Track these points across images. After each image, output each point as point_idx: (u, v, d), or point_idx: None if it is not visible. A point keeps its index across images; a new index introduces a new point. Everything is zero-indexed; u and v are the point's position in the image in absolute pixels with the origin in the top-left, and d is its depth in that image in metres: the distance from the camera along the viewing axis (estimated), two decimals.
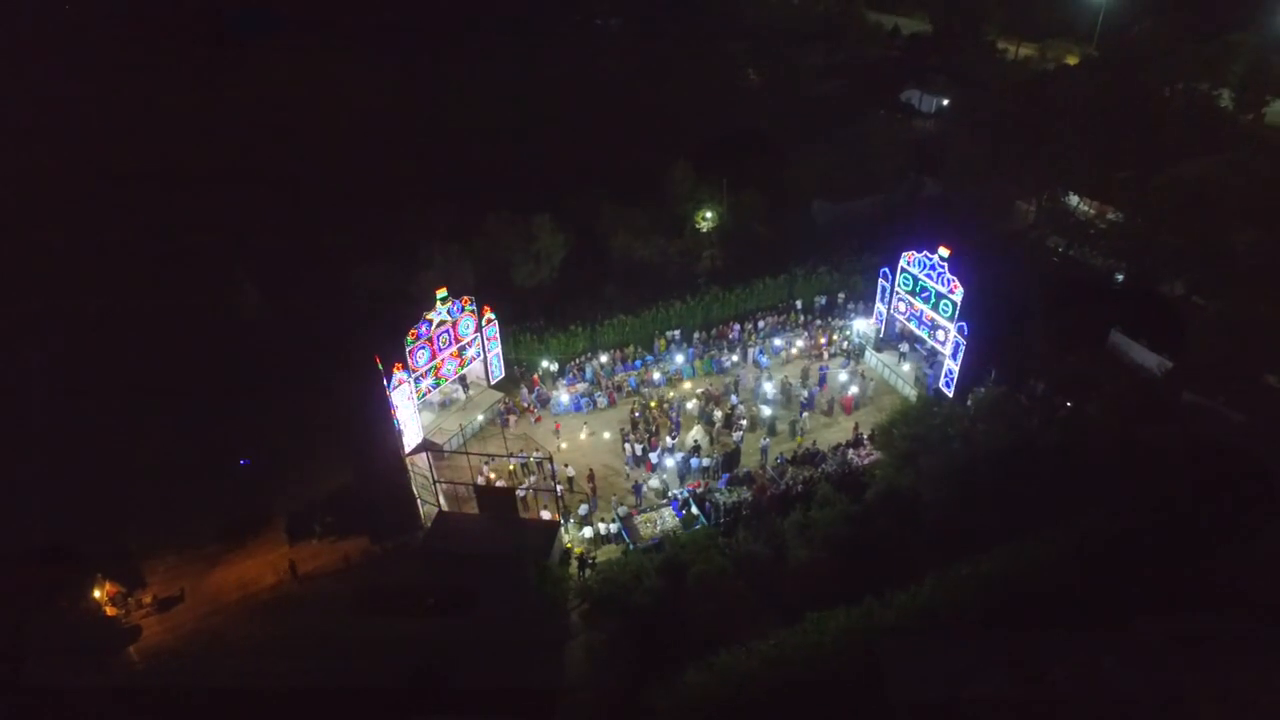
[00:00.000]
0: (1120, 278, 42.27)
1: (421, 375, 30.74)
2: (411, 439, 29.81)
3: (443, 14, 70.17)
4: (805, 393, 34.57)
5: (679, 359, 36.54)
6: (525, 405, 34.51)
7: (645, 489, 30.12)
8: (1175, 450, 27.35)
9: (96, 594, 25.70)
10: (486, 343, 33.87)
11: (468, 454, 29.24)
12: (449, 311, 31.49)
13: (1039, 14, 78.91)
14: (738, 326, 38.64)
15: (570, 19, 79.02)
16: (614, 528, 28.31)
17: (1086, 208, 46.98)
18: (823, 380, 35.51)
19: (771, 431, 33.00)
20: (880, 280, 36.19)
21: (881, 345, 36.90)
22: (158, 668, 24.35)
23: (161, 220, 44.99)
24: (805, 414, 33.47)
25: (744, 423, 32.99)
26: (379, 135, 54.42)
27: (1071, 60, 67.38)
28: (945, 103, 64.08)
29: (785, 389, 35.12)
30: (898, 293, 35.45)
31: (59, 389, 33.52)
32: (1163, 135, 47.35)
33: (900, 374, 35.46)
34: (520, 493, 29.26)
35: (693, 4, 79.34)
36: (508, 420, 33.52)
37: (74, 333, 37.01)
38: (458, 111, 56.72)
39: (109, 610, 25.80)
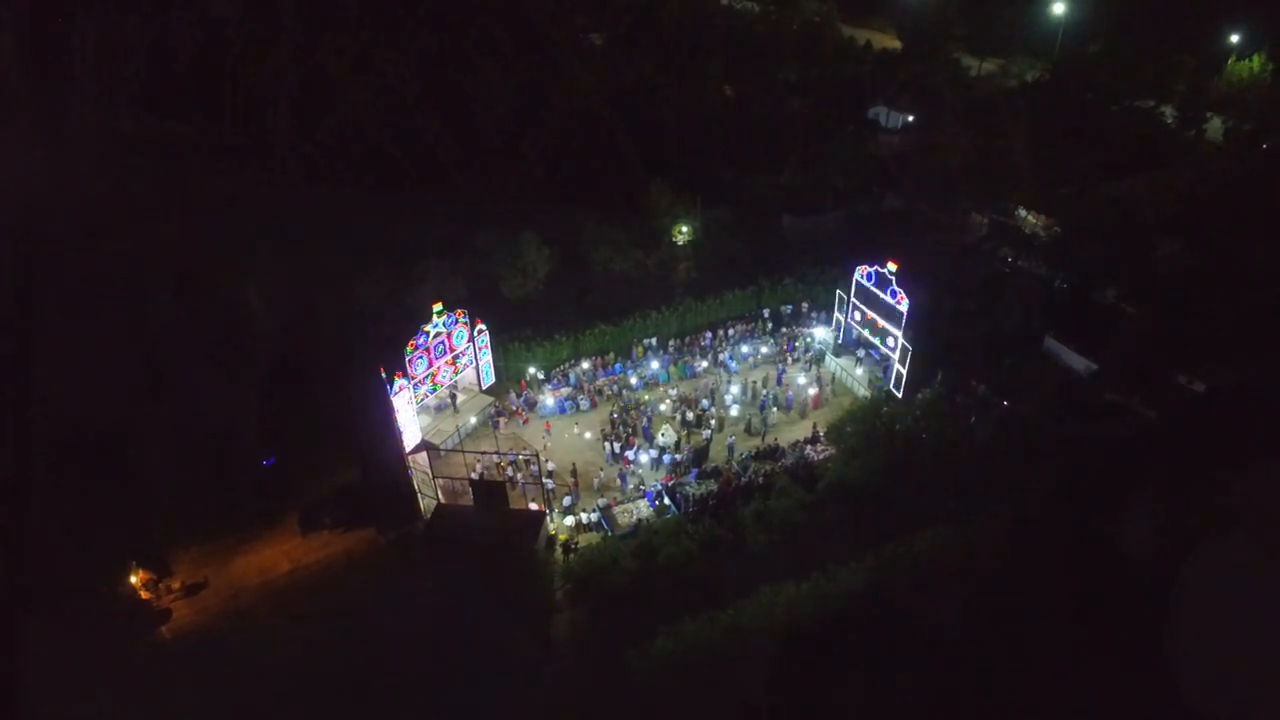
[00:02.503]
0: (1065, 286, 46.00)
1: (420, 382, 33.99)
2: (411, 439, 32.95)
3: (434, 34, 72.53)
4: (766, 392, 37.98)
5: (654, 365, 39.84)
6: (514, 408, 37.70)
7: (630, 477, 33.46)
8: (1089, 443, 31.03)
9: (132, 580, 28.70)
10: (478, 351, 37.12)
11: (463, 452, 32.42)
12: (444, 323, 34.76)
13: (1001, 31, 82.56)
14: (709, 334, 41.99)
15: (554, 36, 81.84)
16: (594, 517, 31.59)
17: (1034, 220, 50.74)
18: (780, 379, 38.85)
19: (749, 430, 36.33)
20: (838, 291, 39.69)
21: (840, 351, 40.36)
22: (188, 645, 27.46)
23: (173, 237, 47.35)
24: (765, 411, 36.89)
25: (713, 422, 36.35)
26: (376, 152, 57.01)
27: (1031, 76, 71.13)
28: (910, 119, 67.68)
29: (750, 391, 38.50)
30: (853, 303, 38.96)
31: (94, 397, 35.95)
32: (1107, 151, 51.23)
33: (855, 377, 38.94)
34: (509, 472, 32.41)
35: (672, 20, 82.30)
36: (498, 422, 36.71)
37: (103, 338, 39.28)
38: (448, 128, 59.50)
39: (143, 595, 28.80)
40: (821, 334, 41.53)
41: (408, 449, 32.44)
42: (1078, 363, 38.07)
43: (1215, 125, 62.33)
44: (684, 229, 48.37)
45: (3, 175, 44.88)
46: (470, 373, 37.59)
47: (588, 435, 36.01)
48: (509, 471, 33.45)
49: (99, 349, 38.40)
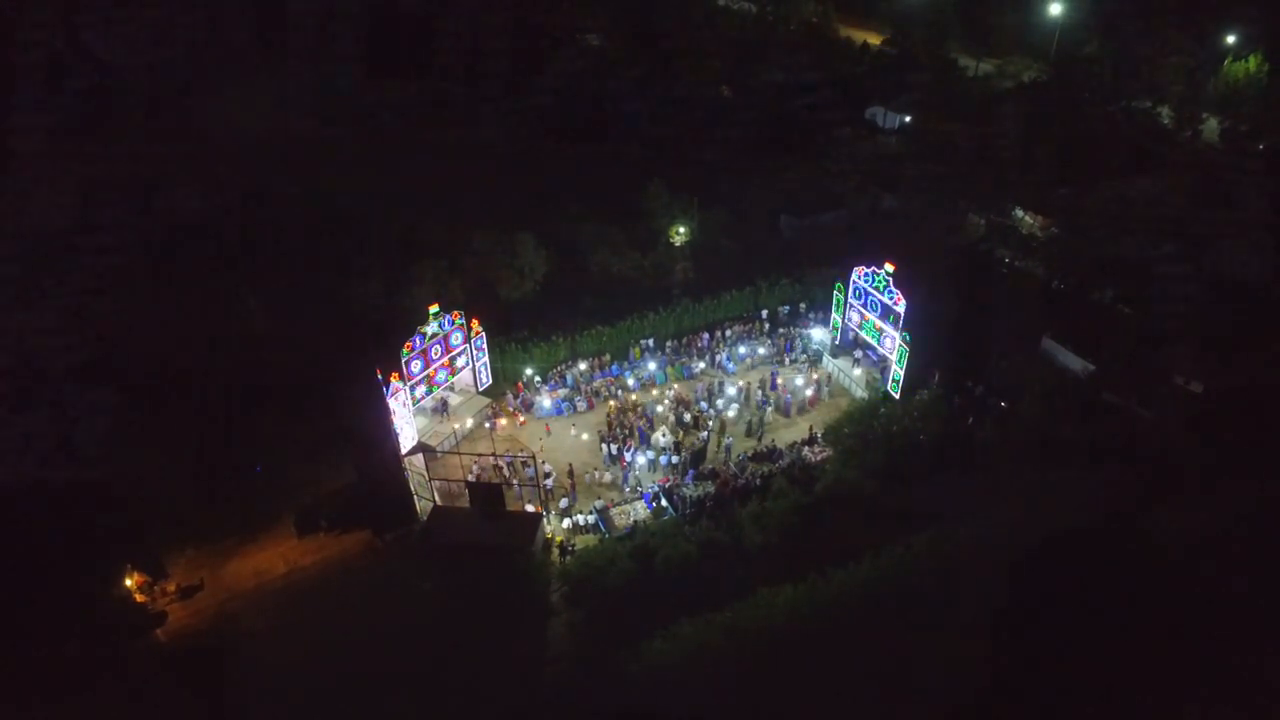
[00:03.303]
0: (1062, 287, 46.00)
1: (416, 384, 33.90)
2: (408, 441, 32.86)
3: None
4: (761, 395, 37.94)
5: (652, 366, 39.77)
6: (511, 410, 37.62)
7: (630, 477, 33.42)
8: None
9: (127, 583, 28.58)
10: (475, 353, 37.04)
11: (459, 454, 32.33)
12: (440, 325, 34.67)
13: (998, 32, 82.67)
14: (707, 335, 41.93)
15: (551, 37, 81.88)
16: (591, 519, 31.52)
17: (1031, 221, 50.76)
18: (774, 383, 38.80)
19: (748, 432, 36.26)
20: (835, 292, 39.67)
21: (837, 352, 40.33)
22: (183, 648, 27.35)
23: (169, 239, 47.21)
24: (762, 411, 36.84)
25: (710, 424, 36.31)
26: (373, 156, 57.04)
27: (1028, 76, 71.26)
28: (907, 119, 67.70)
29: (748, 393, 38.44)
30: (851, 304, 38.94)
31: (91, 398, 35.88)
32: (1103, 152, 51.31)
33: (853, 378, 38.89)
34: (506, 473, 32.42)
35: (670, 19, 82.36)
36: (495, 424, 36.63)
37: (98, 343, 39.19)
38: (445, 131, 59.61)
39: (138, 597, 28.67)
40: (819, 335, 41.49)
41: (404, 451, 32.36)
42: (1075, 363, 38.06)
43: (1212, 126, 62.45)
44: (681, 230, 48.33)
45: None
46: (467, 374, 37.50)
47: (585, 437, 35.93)
48: (505, 472, 33.35)
49: None
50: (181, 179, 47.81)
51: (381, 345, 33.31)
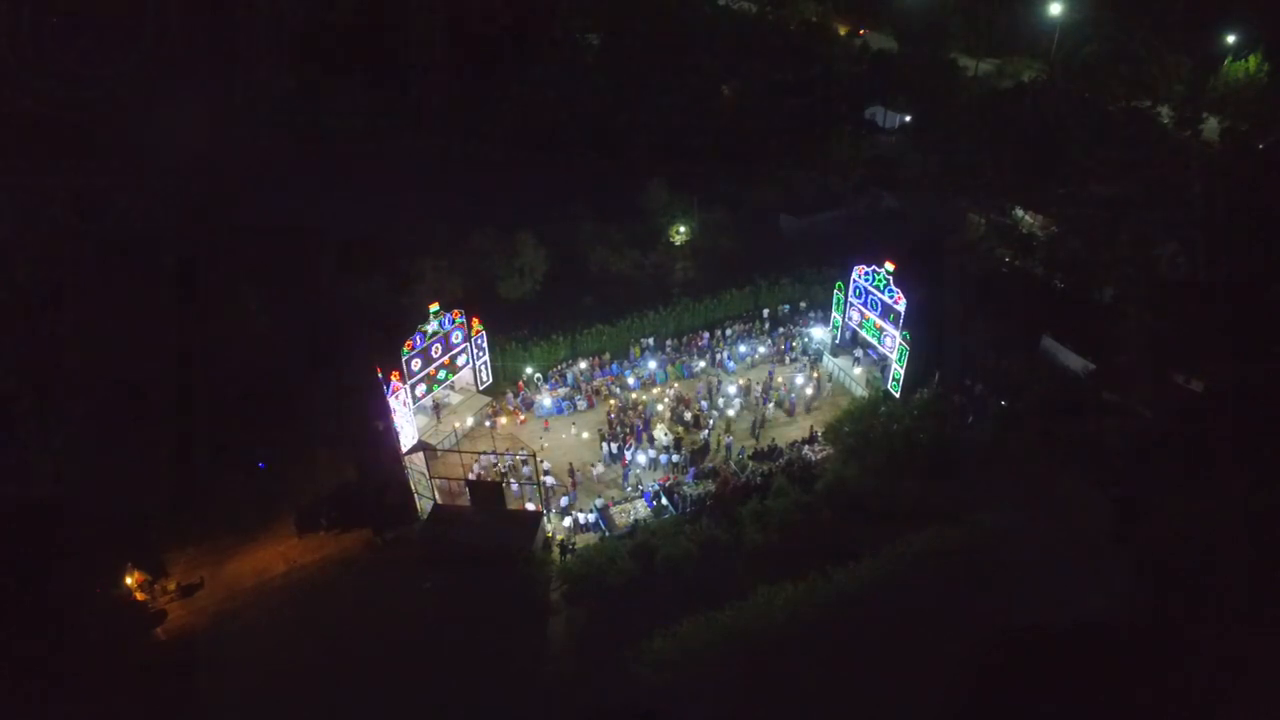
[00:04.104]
0: (1062, 286, 45.98)
1: (417, 382, 33.88)
2: (408, 439, 32.84)
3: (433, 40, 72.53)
4: (759, 393, 37.92)
5: (652, 365, 39.75)
6: (511, 408, 37.60)
7: (630, 475, 33.43)
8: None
9: (127, 581, 28.56)
10: (475, 352, 37.02)
11: (460, 452, 32.31)
12: (441, 324, 34.66)
13: (999, 32, 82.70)
14: (707, 334, 41.92)
15: (550, 36, 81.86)
16: (592, 517, 31.50)
17: (1031, 221, 50.70)
18: (770, 378, 38.74)
19: (752, 432, 36.17)
20: (835, 291, 39.67)
21: (837, 350, 40.33)
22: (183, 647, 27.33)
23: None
24: (766, 407, 36.83)
25: (711, 422, 36.29)
26: (371, 155, 57.09)
27: (1028, 76, 71.30)
28: (906, 119, 67.73)
29: (748, 391, 38.42)
30: (851, 302, 38.94)
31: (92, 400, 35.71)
32: (1103, 152, 51.25)
33: (853, 377, 38.89)
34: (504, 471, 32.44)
35: (670, 20, 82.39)
36: (495, 422, 36.61)
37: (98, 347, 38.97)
38: (444, 131, 59.62)
39: (138, 596, 28.65)
40: (819, 334, 41.48)
41: (404, 449, 32.34)
42: (1075, 362, 38.05)
43: (1212, 125, 62.37)
44: (681, 229, 48.35)
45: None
46: (467, 373, 37.48)
47: (585, 435, 35.91)
48: (504, 471, 33.34)
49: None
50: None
51: (381, 342, 33.27)
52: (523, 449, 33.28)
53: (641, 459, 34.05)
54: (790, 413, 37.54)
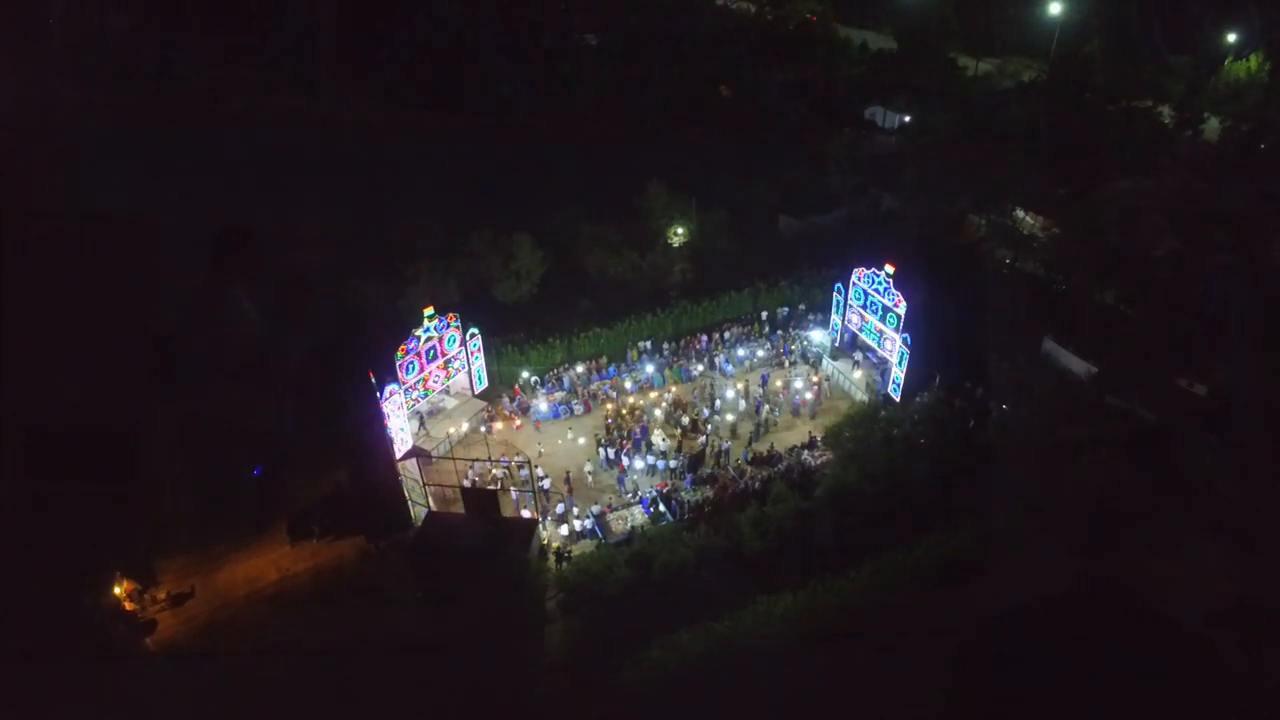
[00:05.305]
0: (1063, 288, 45.59)
1: (411, 387, 33.46)
2: (402, 445, 32.43)
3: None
4: (758, 398, 37.51)
5: (649, 368, 39.34)
6: (507, 413, 37.18)
7: (627, 480, 33.05)
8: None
9: (116, 590, 28.11)
10: (470, 356, 36.60)
11: (454, 459, 31.93)
12: (435, 328, 34.24)
13: (998, 32, 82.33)
14: (705, 337, 41.51)
15: (549, 37, 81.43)
16: (588, 524, 31.09)
17: (1031, 221, 50.34)
18: (764, 382, 38.45)
19: (748, 442, 35.75)
20: (835, 294, 39.28)
21: (837, 354, 39.95)
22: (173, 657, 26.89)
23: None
24: (761, 414, 36.43)
25: (709, 427, 35.88)
26: (367, 157, 56.48)
27: (1028, 76, 70.91)
28: (906, 119, 67.35)
29: (747, 395, 38.03)
30: (850, 305, 38.55)
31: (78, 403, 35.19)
32: (1104, 152, 50.93)
33: (853, 380, 38.50)
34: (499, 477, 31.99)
35: (668, 19, 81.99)
36: (490, 427, 36.19)
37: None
38: (442, 132, 59.18)
39: (127, 605, 28.20)
40: (819, 336, 41.08)
41: (398, 456, 31.93)
42: (1077, 365, 37.68)
43: (1212, 125, 62.01)
44: (679, 230, 47.90)
45: None
46: (462, 377, 37.07)
47: (582, 440, 35.50)
48: (499, 476, 32.93)
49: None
50: None
51: (375, 346, 32.82)
52: (518, 454, 32.88)
53: (639, 464, 33.64)
54: (795, 413, 37.12)
